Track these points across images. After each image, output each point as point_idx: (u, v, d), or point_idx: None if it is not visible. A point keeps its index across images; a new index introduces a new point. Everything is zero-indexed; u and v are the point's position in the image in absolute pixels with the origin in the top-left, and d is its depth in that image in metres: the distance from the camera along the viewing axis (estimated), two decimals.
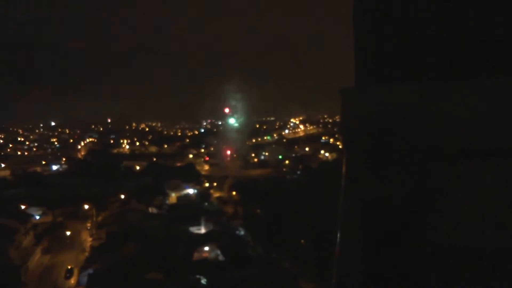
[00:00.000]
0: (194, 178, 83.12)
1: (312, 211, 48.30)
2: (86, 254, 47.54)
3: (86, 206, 64.03)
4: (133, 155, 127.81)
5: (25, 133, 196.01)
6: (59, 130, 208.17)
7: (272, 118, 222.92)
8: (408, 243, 1.87)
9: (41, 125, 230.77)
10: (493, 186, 1.95)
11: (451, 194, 1.96)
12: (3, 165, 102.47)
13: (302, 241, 45.80)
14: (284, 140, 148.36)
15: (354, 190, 2.03)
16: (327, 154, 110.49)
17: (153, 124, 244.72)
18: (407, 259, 1.87)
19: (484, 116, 2.03)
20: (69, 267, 44.79)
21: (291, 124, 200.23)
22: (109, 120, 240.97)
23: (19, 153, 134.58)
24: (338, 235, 2.09)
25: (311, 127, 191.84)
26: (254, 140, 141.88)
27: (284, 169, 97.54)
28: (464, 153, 1.96)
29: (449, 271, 1.90)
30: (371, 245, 1.93)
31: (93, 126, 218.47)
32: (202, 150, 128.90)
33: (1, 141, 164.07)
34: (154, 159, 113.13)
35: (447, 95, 2.12)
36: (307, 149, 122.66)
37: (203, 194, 73.49)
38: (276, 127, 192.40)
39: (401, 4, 2.22)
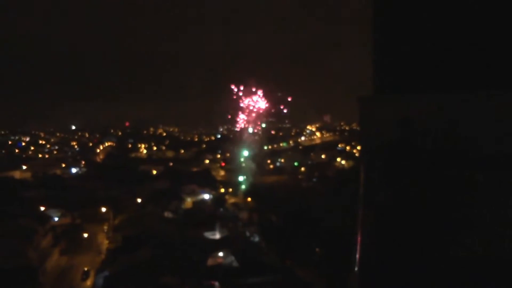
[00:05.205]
0: (210, 183, 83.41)
1: (328, 219, 47.87)
2: (103, 256, 48.10)
3: (104, 209, 64.94)
4: (150, 160, 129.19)
5: (46, 136, 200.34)
6: (79, 133, 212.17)
7: (288, 125, 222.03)
8: (427, 254, 1.84)
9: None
10: None
11: (471, 204, 1.92)
12: (24, 167, 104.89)
13: (317, 249, 45.38)
14: (300, 147, 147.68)
15: (372, 199, 2.01)
16: (343, 162, 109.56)
17: (171, 129, 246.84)
18: (426, 270, 1.83)
19: (504, 125, 1.98)
20: (85, 269, 45.37)
21: (308, 131, 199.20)
22: (127, 125, 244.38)
23: (40, 155, 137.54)
24: (356, 244, 2.07)
25: (328, 134, 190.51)
26: (270, 147, 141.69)
27: (300, 176, 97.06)
28: (484, 162, 1.91)
29: (468, 283, 1.86)
30: (390, 254, 1.90)
31: (112, 131, 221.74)
32: (218, 156, 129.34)
33: (24, 143, 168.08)
34: (171, 164, 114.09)
35: (466, 105, 2.08)
36: (323, 156, 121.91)
37: (219, 200, 73.68)
38: (292, 134, 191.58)
39: (420, 15, 2.20)
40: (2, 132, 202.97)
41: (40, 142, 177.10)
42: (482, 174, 2.01)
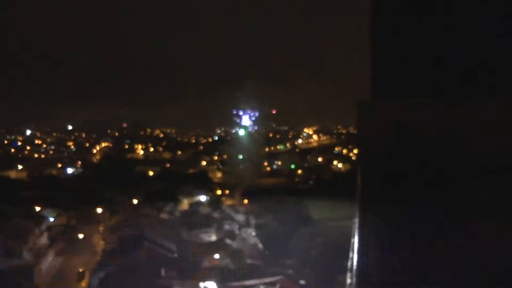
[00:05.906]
0: (207, 185, 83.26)
1: (324, 222, 47.95)
2: (98, 257, 47.88)
3: (100, 210, 64.65)
4: (147, 161, 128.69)
5: (43, 136, 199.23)
6: (76, 134, 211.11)
7: (285, 128, 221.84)
8: (423, 257, 1.87)
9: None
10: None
11: (468, 208, 1.96)
12: (20, 167, 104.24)
13: (313, 251, 45.38)
14: (297, 150, 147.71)
15: (369, 203, 2.04)
16: (340, 165, 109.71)
17: (168, 131, 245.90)
18: (422, 273, 1.87)
19: (502, 131, 2.03)
20: (80, 270, 45.14)
21: (305, 134, 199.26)
22: (124, 125, 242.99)
23: (36, 155, 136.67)
24: (354, 247, 2.10)
25: (325, 138, 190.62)
26: (267, 149, 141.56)
27: (297, 179, 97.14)
28: (482, 167, 1.95)
29: (463, 285, 1.89)
30: (387, 257, 1.93)
31: (108, 131, 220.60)
32: (216, 158, 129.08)
33: (20, 143, 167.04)
34: (168, 165, 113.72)
35: (464, 110, 2.12)
36: (320, 159, 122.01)
37: (215, 201, 73.55)
38: (290, 136, 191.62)
39: (419, 21, 2.25)
40: None
41: (36, 141, 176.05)
42: (478, 177, 2.06)
